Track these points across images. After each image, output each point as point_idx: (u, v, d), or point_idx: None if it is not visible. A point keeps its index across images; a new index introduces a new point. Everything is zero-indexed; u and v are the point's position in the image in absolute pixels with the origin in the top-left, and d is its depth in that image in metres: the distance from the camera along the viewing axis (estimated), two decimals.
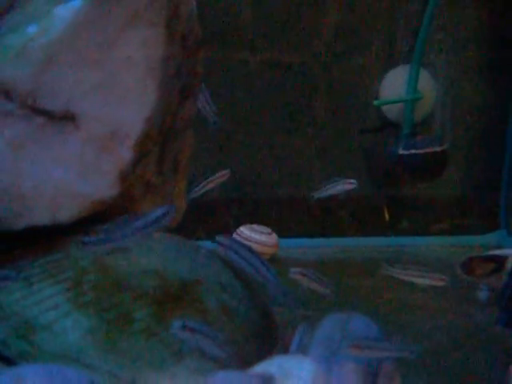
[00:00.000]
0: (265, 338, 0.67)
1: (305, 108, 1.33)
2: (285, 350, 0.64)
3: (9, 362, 0.53)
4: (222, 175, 0.78)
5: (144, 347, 0.57)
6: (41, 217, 0.62)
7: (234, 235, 1.24)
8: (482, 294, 1.00)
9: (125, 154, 0.66)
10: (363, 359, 0.56)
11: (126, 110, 0.65)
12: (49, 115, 0.61)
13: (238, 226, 1.24)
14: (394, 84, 1.31)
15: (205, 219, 1.31)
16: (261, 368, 0.55)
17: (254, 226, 1.26)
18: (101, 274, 0.60)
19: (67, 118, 0.62)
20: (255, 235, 1.23)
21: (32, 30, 0.60)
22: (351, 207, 1.35)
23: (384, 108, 1.30)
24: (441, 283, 0.79)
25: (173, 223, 0.84)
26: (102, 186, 0.65)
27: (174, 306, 0.60)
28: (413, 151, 1.25)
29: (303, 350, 0.60)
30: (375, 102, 1.28)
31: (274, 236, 1.24)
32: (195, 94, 0.82)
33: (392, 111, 1.31)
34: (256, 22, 1.29)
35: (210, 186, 0.77)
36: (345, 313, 0.60)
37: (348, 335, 0.58)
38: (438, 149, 1.26)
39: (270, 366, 0.55)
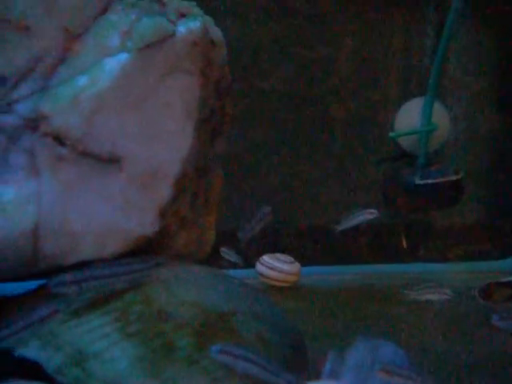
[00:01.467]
0: (296, 364, 0.71)
1: (323, 140, 1.39)
2: (316, 377, 0.68)
3: None
4: (266, 214, 0.78)
5: (186, 374, 0.61)
6: (88, 253, 0.67)
7: (257, 264, 1.29)
8: (499, 319, 1.03)
9: (164, 192, 0.71)
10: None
11: (166, 151, 0.71)
12: (96, 158, 0.66)
13: (260, 255, 1.28)
14: (408, 116, 1.36)
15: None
16: None
17: (277, 255, 1.30)
18: (144, 305, 0.64)
19: (112, 161, 0.67)
20: (278, 264, 1.26)
21: (82, 81, 0.66)
22: (370, 235, 1.38)
23: (400, 139, 1.35)
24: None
25: (202, 255, 0.89)
26: (144, 222, 0.70)
27: (212, 336, 0.64)
28: (429, 181, 1.29)
29: (335, 375, 0.63)
30: (391, 134, 1.33)
31: (297, 265, 1.28)
32: (224, 134, 0.87)
33: (407, 142, 1.36)
34: (275, 55, 1.35)
35: (259, 227, 0.78)
36: (373, 340, 0.64)
37: (377, 361, 0.61)
38: (453, 178, 1.30)
39: None
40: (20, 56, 0.64)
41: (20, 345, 0.62)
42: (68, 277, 0.60)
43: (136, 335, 0.62)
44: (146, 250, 0.72)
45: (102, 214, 0.67)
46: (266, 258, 1.27)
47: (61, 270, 0.67)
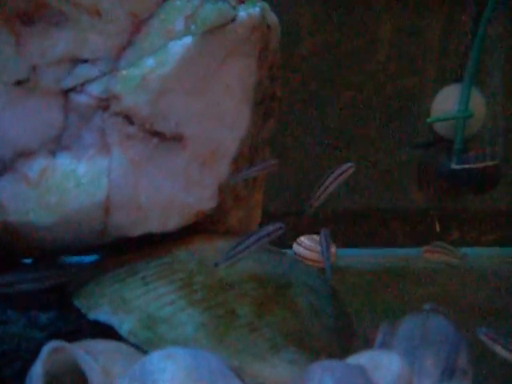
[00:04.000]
0: (345, 333, 0.74)
1: (359, 125, 1.41)
2: (367, 346, 0.71)
3: (137, 348, 0.61)
4: (269, 165, 0.75)
5: (247, 340, 0.64)
6: (154, 225, 0.71)
7: (295, 245, 1.32)
8: None
9: (223, 169, 0.75)
10: (442, 354, 0.63)
11: (225, 131, 0.74)
12: (161, 137, 0.70)
13: (298, 236, 1.32)
14: (446, 102, 1.37)
15: None
16: (352, 360, 0.62)
17: (314, 236, 1.34)
18: (207, 275, 0.68)
19: (176, 139, 0.71)
20: (315, 245, 1.30)
21: (149, 63, 0.69)
22: (404, 219, 1.41)
23: (436, 125, 1.36)
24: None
25: None
26: (204, 198, 0.73)
27: (271, 306, 0.68)
28: (466, 166, 1.31)
29: (386, 345, 0.67)
30: (428, 120, 1.34)
31: (333, 246, 1.31)
32: (274, 116, 0.90)
33: (444, 128, 1.38)
34: (314, 41, 1.37)
35: (254, 173, 0.75)
36: (423, 313, 0.67)
37: (427, 332, 0.65)
38: (490, 163, 1.31)
39: (360, 358, 0.62)
40: (92, 39, 0.68)
41: (92, 309, 0.66)
42: None
43: (200, 303, 0.66)
44: (204, 224, 0.76)
45: (166, 189, 0.71)
46: (303, 238, 1.31)
47: (128, 241, 0.72)
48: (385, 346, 0.67)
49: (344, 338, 0.73)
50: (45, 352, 0.51)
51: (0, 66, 0.65)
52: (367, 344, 0.72)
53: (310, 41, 1.36)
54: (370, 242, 1.42)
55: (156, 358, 0.49)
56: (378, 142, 1.40)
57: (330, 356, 0.68)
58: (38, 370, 0.49)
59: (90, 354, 0.54)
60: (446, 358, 0.65)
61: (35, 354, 0.58)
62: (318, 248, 1.26)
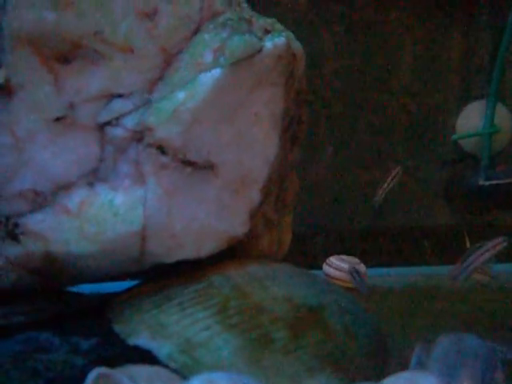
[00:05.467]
0: (379, 354, 0.75)
1: (385, 143, 1.42)
2: (401, 368, 0.72)
3: (176, 372, 0.63)
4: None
5: (283, 363, 0.66)
6: (188, 252, 0.73)
7: (324, 265, 1.33)
8: None
9: (254, 196, 0.77)
10: (478, 374, 0.63)
11: (255, 158, 0.76)
12: (194, 166, 0.72)
13: (326, 257, 1.33)
14: (471, 118, 1.37)
15: (295, 251, 1.40)
16: (389, 382, 0.62)
17: (343, 257, 1.34)
18: (241, 300, 0.70)
19: (208, 168, 0.73)
20: (345, 265, 1.30)
21: (181, 95, 0.72)
22: (433, 236, 1.41)
23: (463, 142, 1.37)
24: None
25: (281, 254, 0.94)
26: (236, 224, 0.75)
27: (305, 328, 0.69)
28: (494, 182, 1.31)
29: (422, 366, 0.67)
30: (454, 137, 1.35)
31: (363, 266, 1.31)
32: (300, 141, 0.92)
33: (470, 144, 1.38)
34: (337, 61, 1.40)
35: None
36: (457, 333, 0.67)
37: (462, 352, 0.65)
38: None
39: (397, 380, 0.62)
40: (126, 75, 0.71)
41: (132, 335, 0.68)
42: None
43: (236, 327, 0.67)
44: (236, 249, 0.78)
45: (199, 217, 0.73)
46: (332, 259, 1.32)
47: (163, 267, 0.74)
48: (420, 366, 0.67)
49: (379, 359, 0.74)
50: (91, 378, 0.53)
51: (40, 104, 0.68)
52: (402, 365, 0.73)
53: (333, 64, 1.39)
54: (398, 260, 1.42)
55: (197, 383, 0.51)
56: (405, 160, 1.41)
57: (366, 378, 0.68)
58: None
59: (133, 380, 0.56)
60: (482, 378, 0.65)
61: (79, 380, 0.60)
62: (345, 267, 1.28)
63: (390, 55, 1.42)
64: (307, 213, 1.40)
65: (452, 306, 1.11)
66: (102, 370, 0.54)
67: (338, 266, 1.31)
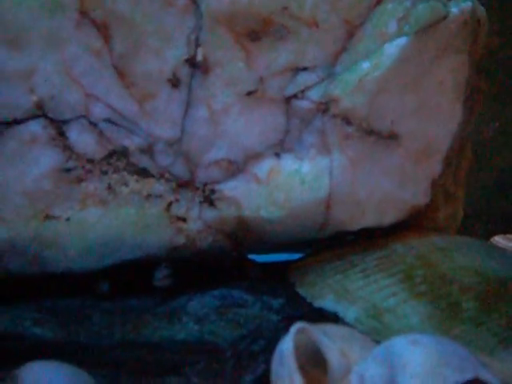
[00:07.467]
0: None
1: None
2: None
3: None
4: None
5: (473, 334, 0.65)
6: (371, 220, 0.74)
7: None
8: None
9: (436, 166, 0.76)
10: None
11: (438, 128, 0.75)
12: (378, 135, 0.73)
13: (490, 236, 1.27)
14: None
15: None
16: None
17: (509, 236, 1.28)
18: (427, 269, 0.70)
19: (391, 137, 0.74)
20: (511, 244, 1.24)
21: (365, 66, 0.73)
22: None
23: None
24: None
25: (454, 229, 0.91)
26: (418, 194, 0.75)
27: (495, 301, 0.67)
28: None
29: None
30: None
31: None
32: (477, 112, 0.89)
33: None
34: None
35: None
36: None
37: None
38: None
39: None
40: (311, 48, 0.74)
41: (317, 298, 0.71)
42: None
43: (423, 295, 0.67)
44: (416, 220, 0.78)
45: (382, 186, 0.74)
46: (498, 238, 1.26)
47: (344, 235, 0.76)
48: None
49: None
50: (293, 330, 0.57)
51: (234, 80, 0.73)
52: None
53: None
54: None
55: (402, 342, 0.52)
56: None
57: None
58: (289, 346, 0.55)
59: (328, 337, 0.59)
60: None
61: (275, 333, 0.65)
62: None
63: None
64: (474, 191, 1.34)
65: None
66: (303, 324, 0.58)
67: (504, 245, 1.25)
